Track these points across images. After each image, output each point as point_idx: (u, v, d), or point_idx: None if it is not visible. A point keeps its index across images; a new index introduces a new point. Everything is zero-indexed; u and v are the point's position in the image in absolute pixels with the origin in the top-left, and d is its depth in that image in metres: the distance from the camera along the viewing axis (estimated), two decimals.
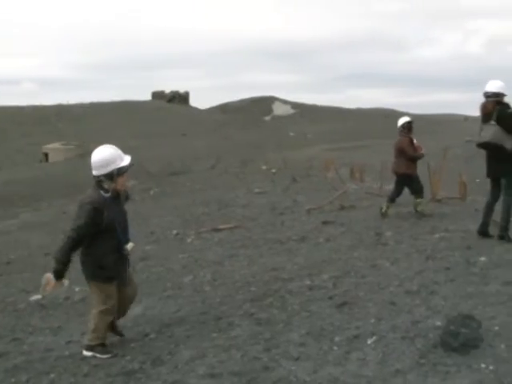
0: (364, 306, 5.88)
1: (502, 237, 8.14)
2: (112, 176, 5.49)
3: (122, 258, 5.68)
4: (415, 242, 8.82)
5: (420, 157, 11.08)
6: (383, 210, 11.32)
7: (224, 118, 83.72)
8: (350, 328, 5.28)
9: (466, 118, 70.62)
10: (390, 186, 17.97)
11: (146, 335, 6.10)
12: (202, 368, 4.85)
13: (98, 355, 5.58)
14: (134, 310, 6.97)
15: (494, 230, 8.41)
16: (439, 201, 12.70)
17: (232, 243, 11.01)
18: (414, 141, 11.16)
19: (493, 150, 8.10)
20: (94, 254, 5.53)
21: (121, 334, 6.08)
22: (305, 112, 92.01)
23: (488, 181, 8.50)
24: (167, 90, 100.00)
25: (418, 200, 11.03)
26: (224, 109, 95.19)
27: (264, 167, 32.12)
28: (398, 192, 11.31)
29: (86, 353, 5.66)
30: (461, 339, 4.33)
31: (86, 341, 5.74)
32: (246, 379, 4.48)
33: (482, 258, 7.21)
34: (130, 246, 5.72)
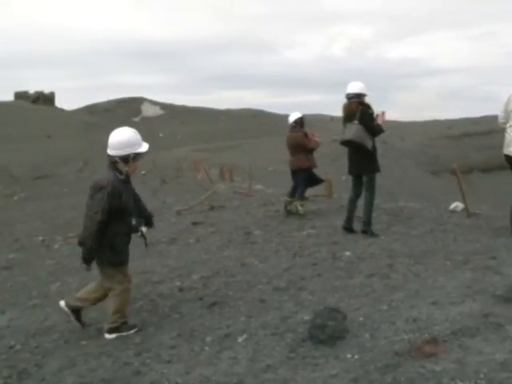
0: (234, 305, 5.93)
1: (365, 231, 8.50)
2: (128, 159, 5.47)
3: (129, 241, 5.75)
4: (283, 239, 9.00)
5: (318, 145, 11.25)
6: (301, 212, 11.02)
7: (91, 120, 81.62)
8: (221, 327, 5.30)
9: (332, 118, 72.99)
10: (259, 186, 18.38)
11: (11, 347, 5.77)
12: (72, 378, 4.69)
13: (124, 333, 5.55)
14: None
15: (358, 225, 8.76)
16: (306, 199, 13.03)
17: None
18: (310, 134, 11.30)
19: (355, 148, 8.43)
20: (107, 237, 5.41)
21: (82, 322, 6.01)
22: (174, 113, 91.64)
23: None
24: (31, 90, 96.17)
25: (297, 202, 11.12)
26: (91, 110, 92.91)
27: (143, 172, 31.63)
28: (305, 185, 11.29)
29: (109, 336, 5.56)
30: (328, 331, 4.46)
31: (108, 325, 5.61)
32: None
33: (347, 253, 7.48)
34: (144, 229, 5.93)
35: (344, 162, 9.16)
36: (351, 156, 8.62)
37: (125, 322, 5.66)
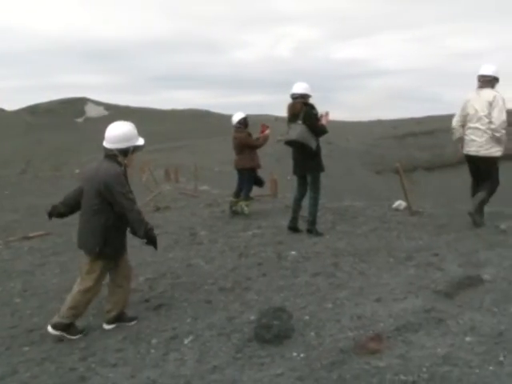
0: (180, 307, 5.91)
1: (310, 231, 8.57)
2: (127, 152, 5.48)
3: (125, 233, 5.68)
4: (229, 240, 8.99)
5: (267, 139, 11.23)
6: (246, 212, 11.05)
7: (33, 120, 79.97)
8: (167, 329, 5.27)
9: (277, 118, 73.04)
10: (205, 187, 18.33)
11: None
12: None
13: (67, 336, 5.42)
14: None
15: (302, 224, 8.82)
16: (252, 199, 13.05)
17: (43, 251, 10.51)
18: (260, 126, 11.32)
19: (299, 148, 8.48)
20: (102, 226, 5.35)
21: (131, 319, 5.78)
22: (119, 113, 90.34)
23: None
24: None
25: (242, 203, 11.11)
26: (33, 110, 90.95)
27: (78, 171, 31.10)
28: (250, 185, 11.28)
29: (52, 331, 5.42)
30: (273, 331, 4.48)
31: (57, 318, 5.45)
32: None
33: (293, 252, 7.53)
34: None
35: (289, 162, 9.21)
36: (295, 156, 8.67)
37: (72, 324, 5.55)
